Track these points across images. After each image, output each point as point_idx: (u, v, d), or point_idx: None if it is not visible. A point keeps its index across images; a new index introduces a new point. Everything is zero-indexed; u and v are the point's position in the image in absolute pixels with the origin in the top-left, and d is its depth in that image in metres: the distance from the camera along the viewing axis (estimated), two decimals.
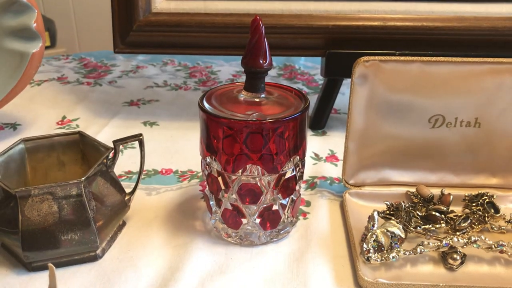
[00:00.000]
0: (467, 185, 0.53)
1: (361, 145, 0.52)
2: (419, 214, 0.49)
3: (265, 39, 0.43)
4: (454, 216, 0.49)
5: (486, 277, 0.43)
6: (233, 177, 0.44)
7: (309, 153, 0.63)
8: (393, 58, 0.49)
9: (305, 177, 0.58)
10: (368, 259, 0.43)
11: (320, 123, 0.70)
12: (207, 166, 0.46)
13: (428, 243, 0.44)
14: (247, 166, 0.43)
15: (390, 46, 0.64)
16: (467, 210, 0.50)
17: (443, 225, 0.48)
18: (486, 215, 0.48)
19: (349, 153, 0.52)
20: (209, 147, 0.45)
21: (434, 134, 0.51)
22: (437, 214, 0.48)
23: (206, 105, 0.44)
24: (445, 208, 0.49)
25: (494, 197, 0.51)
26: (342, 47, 0.65)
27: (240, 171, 0.44)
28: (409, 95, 0.50)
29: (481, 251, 0.44)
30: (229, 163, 0.44)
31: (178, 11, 0.66)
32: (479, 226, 0.48)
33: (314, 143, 0.66)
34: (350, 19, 0.65)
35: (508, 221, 0.48)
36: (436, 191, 0.52)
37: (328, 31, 0.65)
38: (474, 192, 0.51)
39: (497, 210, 0.49)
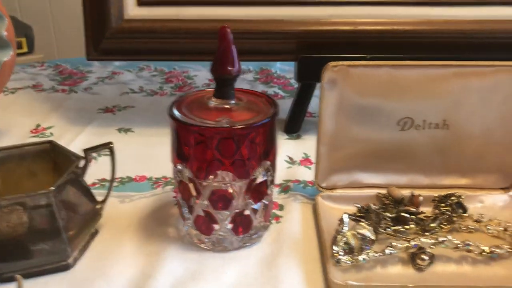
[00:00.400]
0: (437, 186, 0.54)
1: (333, 149, 0.53)
2: (389, 215, 0.49)
3: (234, 46, 0.43)
4: (424, 217, 0.50)
5: (453, 276, 0.44)
6: (204, 184, 0.44)
7: (283, 156, 0.64)
8: (361, 63, 0.49)
9: (279, 180, 0.58)
10: (338, 262, 0.44)
11: (294, 127, 0.71)
12: (179, 173, 0.46)
13: (397, 244, 0.44)
14: (218, 172, 0.44)
15: (362, 50, 0.65)
16: (436, 211, 0.51)
17: (413, 226, 0.48)
18: (454, 215, 0.49)
19: (321, 156, 0.53)
20: (180, 154, 0.45)
21: (403, 136, 0.52)
22: (407, 215, 0.49)
23: (176, 112, 0.44)
24: (414, 209, 0.50)
25: (463, 197, 0.52)
26: (315, 52, 0.65)
27: (211, 177, 0.44)
28: (377, 99, 0.51)
29: (449, 251, 0.45)
30: (201, 170, 0.44)
31: (151, 17, 0.66)
32: (448, 226, 0.49)
33: (289, 147, 0.67)
34: (322, 24, 0.65)
35: (476, 221, 0.49)
36: (407, 193, 0.52)
37: (300, 36, 0.65)
38: (444, 192, 0.52)
39: (464, 210, 0.50)
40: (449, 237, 0.45)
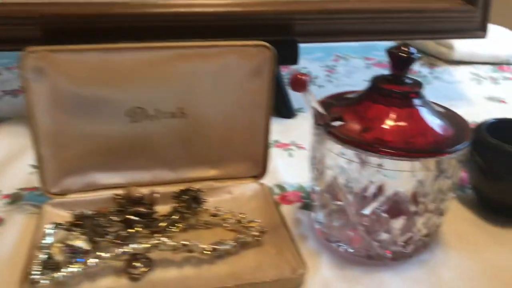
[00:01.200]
0: (184, 180, 0.50)
1: (57, 149, 0.46)
2: (118, 219, 0.44)
3: None
4: (159, 216, 0.45)
5: (172, 281, 0.39)
6: None
7: (26, 161, 0.55)
8: (66, 47, 0.43)
9: (10, 190, 0.50)
10: (34, 282, 0.37)
11: None
12: None
13: (101, 254, 0.39)
14: None
15: (116, 35, 0.58)
16: (169, 209, 0.46)
17: (140, 229, 0.43)
18: (188, 211, 0.45)
19: (44, 159, 0.45)
20: None
21: (136, 128, 0.47)
22: (134, 217, 0.44)
23: None
24: (144, 210, 0.44)
25: (203, 190, 0.47)
26: (64, 40, 0.58)
27: None
28: (95, 88, 0.44)
29: (173, 254, 0.40)
30: None
31: None
32: (182, 224, 0.45)
33: None
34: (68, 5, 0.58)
35: (213, 215, 0.45)
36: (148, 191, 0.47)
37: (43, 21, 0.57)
38: (183, 187, 0.48)
39: (199, 205, 0.46)
40: (164, 239, 0.40)
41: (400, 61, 0.40)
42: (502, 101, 0.79)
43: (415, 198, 0.39)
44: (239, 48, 0.46)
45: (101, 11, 0.58)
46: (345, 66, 0.92)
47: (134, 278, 0.39)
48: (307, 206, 0.50)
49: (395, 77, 0.41)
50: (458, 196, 0.53)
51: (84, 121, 0.46)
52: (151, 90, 0.46)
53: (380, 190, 0.39)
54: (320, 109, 0.39)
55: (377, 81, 0.41)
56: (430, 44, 0.98)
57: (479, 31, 0.70)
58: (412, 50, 0.40)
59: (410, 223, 0.40)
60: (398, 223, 0.40)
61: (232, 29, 0.61)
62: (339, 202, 0.41)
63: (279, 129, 0.63)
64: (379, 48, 0.95)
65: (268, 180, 0.54)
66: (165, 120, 0.47)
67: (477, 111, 0.75)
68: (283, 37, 0.62)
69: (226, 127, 0.49)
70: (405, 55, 0.39)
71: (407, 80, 0.41)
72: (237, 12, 0.61)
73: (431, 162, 0.38)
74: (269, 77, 0.47)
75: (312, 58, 0.95)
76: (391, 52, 0.40)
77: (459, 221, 0.49)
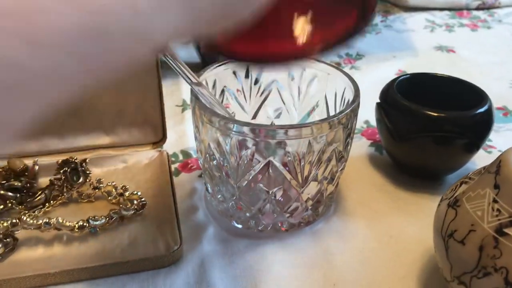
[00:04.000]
0: (75, 149, 0.47)
1: None
2: None
3: None
4: (38, 190, 0.42)
5: (37, 261, 0.37)
6: None
7: None
8: None
9: None
10: None
11: None
12: None
13: None
14: None
15: None
16: (46, 182, 0.43)
17: (11, 204, 0.40)
18: (67, 185, 0.42)
19: None
20: None
21: None
22: (8, 193, 0.41)
23: None
24: (19, 184, 0.42)
25: (87, 161, 0.44)
26: None
27: None
28: None
29: (39, 232, 0.38)
30: None
31: None
32: (61, 198, 0.42)
33: None
34: None
35: (95, 188, 0.42)
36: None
37: None
38: (65, 158, 0.45)
39: (79, 177, 0.43)
40: (24, 218, 0.37)
41: None
42: (450, 50, 0.74)
43: (292, 166, 0.36)
44: None
45: None
46: None
47: None
48: None
49: None
50: (373, 158, 0.49)
51: None
52: None
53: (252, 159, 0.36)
54: (187, 72, 0.35)
55: None
56: None
57: None
58: None
59: (289, 193, 0.37)
60: (278, 194, 0.37)
61: None
62: (218, 174, 0.38)
63: None
64: None
65: (175, 146, 0.51)
66: None
67: (421, 62, 0.71)
68: None
69: (116, 92, 0.45)
70: None
71: None
72: None
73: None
74: None
75: None
76: None
77: (367, 186, 0.46)
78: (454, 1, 0.89)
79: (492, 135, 0.51)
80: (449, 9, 0.89)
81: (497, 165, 0.29)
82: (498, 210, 0.28)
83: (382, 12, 0.89)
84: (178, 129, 0.53)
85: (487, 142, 0.51)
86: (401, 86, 0.45)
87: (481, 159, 0.46)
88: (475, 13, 0.89)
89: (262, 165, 0.36)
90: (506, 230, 0.27)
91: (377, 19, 0.85)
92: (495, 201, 0.28)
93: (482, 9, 0.90)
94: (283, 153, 0.35)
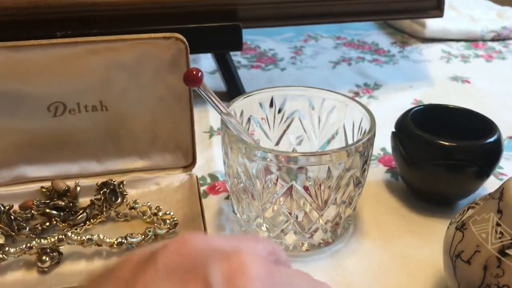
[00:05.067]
0: (112, 172, 0.51)
1: None
2: (34, 213, 0.45)
3: None
4: (79, 210, 0.46)
5: (80, 274, 0.41)
6: None
7: None
8: None
9: None
10: None
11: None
12: None
13: (9, 249, 0.40)
14: None
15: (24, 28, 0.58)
16: (87, 202, 0.47)
17: (56, 222, 0.44)
18: (106, 204, 0.46)
19: None
20: None
21: (59, 123, 0.48)
22: (53, 211, 0.45)
23: None
24: (63, 203, 0.46)
25: (124, 183, 0.48)
26: None
27: None
28: (12, 84, 0.45)
29: (81, 247, 0.42)
30: None
31: None
32: (101, 217, 0.46)
33: None
34: None
35: (132, 208, 0.46)
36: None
37: None
38: (104, 180, 0.49)
39: (118, 198, 0.47)
40: (69, 233, 0.41)
41: None
42: (465, 81, 0.77)
43: (313, 190, 0.39)
44: (150, 41, 0.46)
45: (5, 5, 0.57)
46: (313, 47, 0.91)
47: (43, 271, 0.41)
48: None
49: None
50: (389, 184, 0.52)
51: (3, 117, 0.46)
52: (68, 85, 0.46)
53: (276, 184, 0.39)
54: (217, 103, 0.39)
55: None
56: (406, 22, 0.96)
57: (434, 10, 0.68)
58: None
59: (310, 215, 0.41)
60: (299, 216, 0.41)
61: (174, 15, 0.60)
62: (244, 196, 0.42)
63: None
64: (353, 27, 0.93)
65: (203, 170, 0.55)
66: (88, 113, 0.48)
67: (436, 92, 0.74)
68: (226, 22, 0.62)
69: (150, 119, 0.50)
70: None
71: None
72: None
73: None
74: (185, 68, 0.47)
75: (281, 38, 0.94)
76: None
77: (383, 209, 0.49)
78: (470, 33, 0.92)
79: (503, 163, 0.54)
80: (465, 40, 0.93)
81: (500, 192, 0.32)
82: (501, 232, 0.31)
83: (399, 43, 0.92)
84: (206, 154, 0.57)
85: (498, 170, 0.54)
86: (415, 117, 0.48)
87: (492, 185, 0.49)
88: (490, 44, 0.92)
89: (285, 188, 0.39)
90: (508, 251, 0.30)
91: (395, 50, 0.89)
92: (498, 224, 0.31)
93: (498, 40, 0.93)
94: (304, 178, 0.38)
